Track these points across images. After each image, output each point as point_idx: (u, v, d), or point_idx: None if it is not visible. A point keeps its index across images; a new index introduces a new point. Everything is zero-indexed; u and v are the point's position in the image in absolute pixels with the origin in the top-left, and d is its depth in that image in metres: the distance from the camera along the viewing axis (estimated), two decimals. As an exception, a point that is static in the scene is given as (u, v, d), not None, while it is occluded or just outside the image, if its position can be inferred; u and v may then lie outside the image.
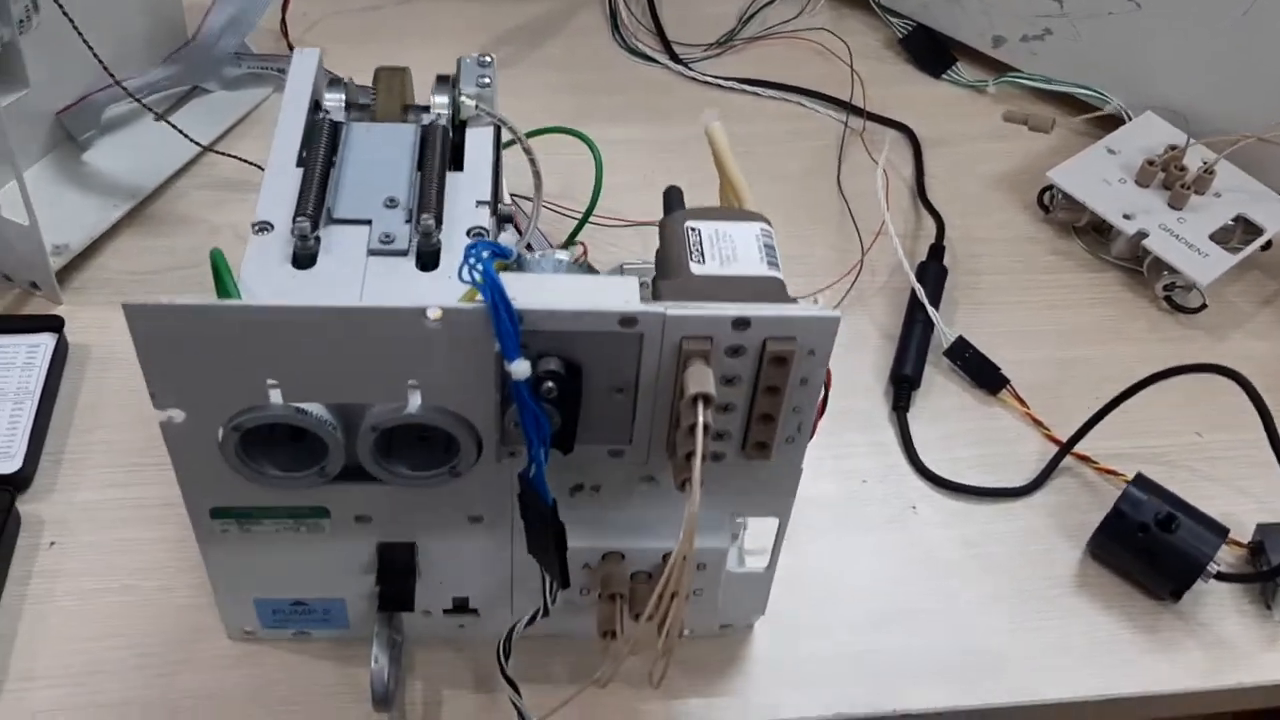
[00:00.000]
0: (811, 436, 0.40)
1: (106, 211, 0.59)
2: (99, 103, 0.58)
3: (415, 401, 0.36)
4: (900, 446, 0.54)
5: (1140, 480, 0.50)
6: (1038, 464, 0.54)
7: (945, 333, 0.57)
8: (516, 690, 0.43)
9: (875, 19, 0.73)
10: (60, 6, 0.52)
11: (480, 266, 0.34)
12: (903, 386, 0.56)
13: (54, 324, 0.54)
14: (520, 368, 0.34)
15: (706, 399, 0.35)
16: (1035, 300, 0.61)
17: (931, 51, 0.72)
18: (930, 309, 0.57)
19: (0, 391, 0.51)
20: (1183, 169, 0.61)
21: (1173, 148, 0.62)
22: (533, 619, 0.42)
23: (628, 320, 0.35)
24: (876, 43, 0.73)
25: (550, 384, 0.36)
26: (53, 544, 0.48)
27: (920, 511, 0.53)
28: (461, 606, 0.45)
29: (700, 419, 0.35)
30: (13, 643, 0.45)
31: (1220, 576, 0.49)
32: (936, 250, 0.61)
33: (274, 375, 0.36)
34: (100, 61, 0.53)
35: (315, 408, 0.37)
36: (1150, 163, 0.61)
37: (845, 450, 0.54)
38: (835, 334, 0.36)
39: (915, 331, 0.57)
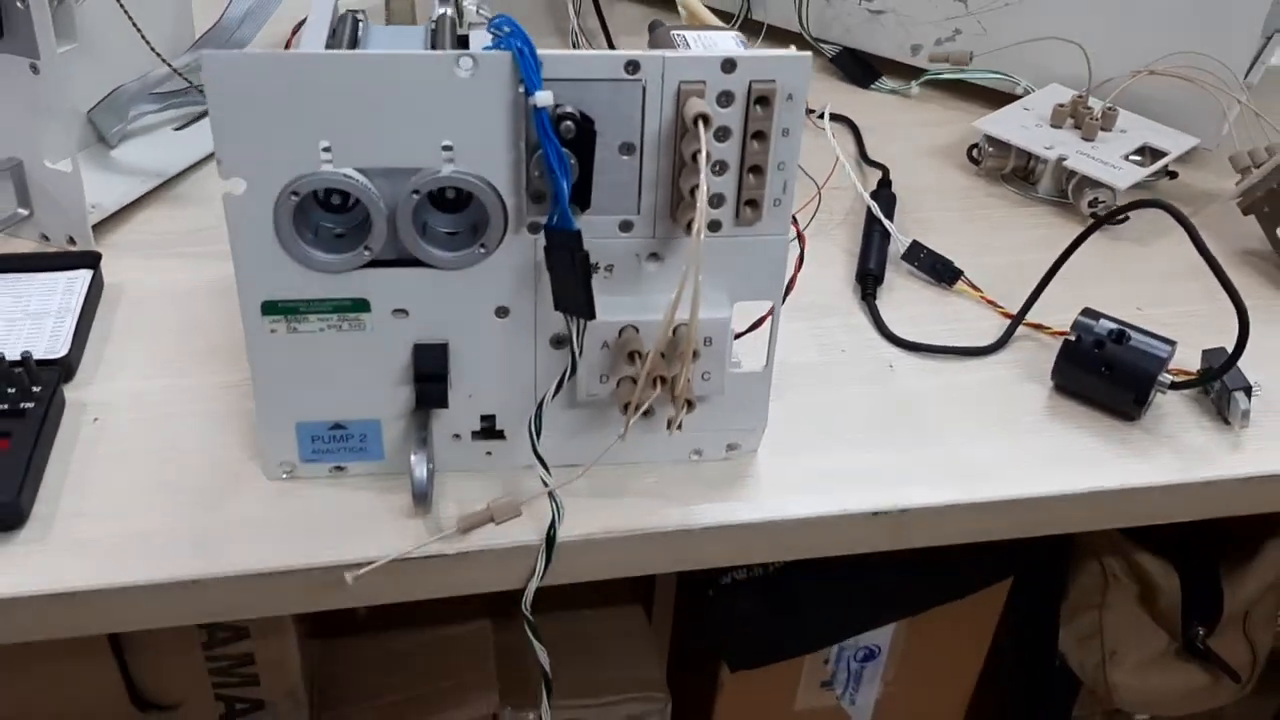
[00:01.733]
0: (787, 294, 0.45)
1: (135, 185, 0.65)
2: (127, 93, 0.65)
3: (450, 166, 0.42)
4: (872, 325, 0.60)
5: (1088, 311, 0.55)
6: (997, 333, 0.59)
7: (900, 239, 0.63)
8: (546, 467, 0.46)
9: (807, 46, 0.84)
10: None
11: (506, 24, 0.41)
12: (868, 281, 0.62)
13: (90, 260, 0.59)
14: (543, 96, 0.40)
15: (705, 119, 0.41)
16: (977, 230, 0.68)
17: (858, 67, 0.82)
18: (884, 220, 0.64)
19: (44, 311, 0.55)
20: (1089, 109, 0.70)
21: (1079, 98, 0.71)
22: (560, 385, 0.46)
23: (632, 65, 0.42)
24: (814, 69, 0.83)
25: (569, 123, 0.42)
26: (96, 420, 0.51)
27: (897, 369, 0.57)
28: (490, 429, 0.49)
29: (703, 143, 0.41)
30: (61, 487, 0.48)
31: (1174, 386, 0.54)
32: (884, 182, 0.68)
33: (327, 136, 0.41)
34: (146, 40, 0.61)
35: (360, 180, 0.42)
36: (1060, 106, 0.70)
37: (822, 331, 0.59)
38: (809, 74, 0.43)
39: (874, 240, 0.63)
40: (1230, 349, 0.52)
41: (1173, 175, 0.70)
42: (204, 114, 0.70)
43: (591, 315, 0.43)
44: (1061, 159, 0.67)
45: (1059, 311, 0.59)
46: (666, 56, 0.42)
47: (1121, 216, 0.68)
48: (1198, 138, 0.70)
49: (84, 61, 0.62)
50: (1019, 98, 0.75)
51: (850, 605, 0.79)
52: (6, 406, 0.49)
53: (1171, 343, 0.54)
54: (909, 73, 0.81)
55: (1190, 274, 0.65)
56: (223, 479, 0.49)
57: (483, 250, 0.44)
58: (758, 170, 0.44)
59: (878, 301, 0.61)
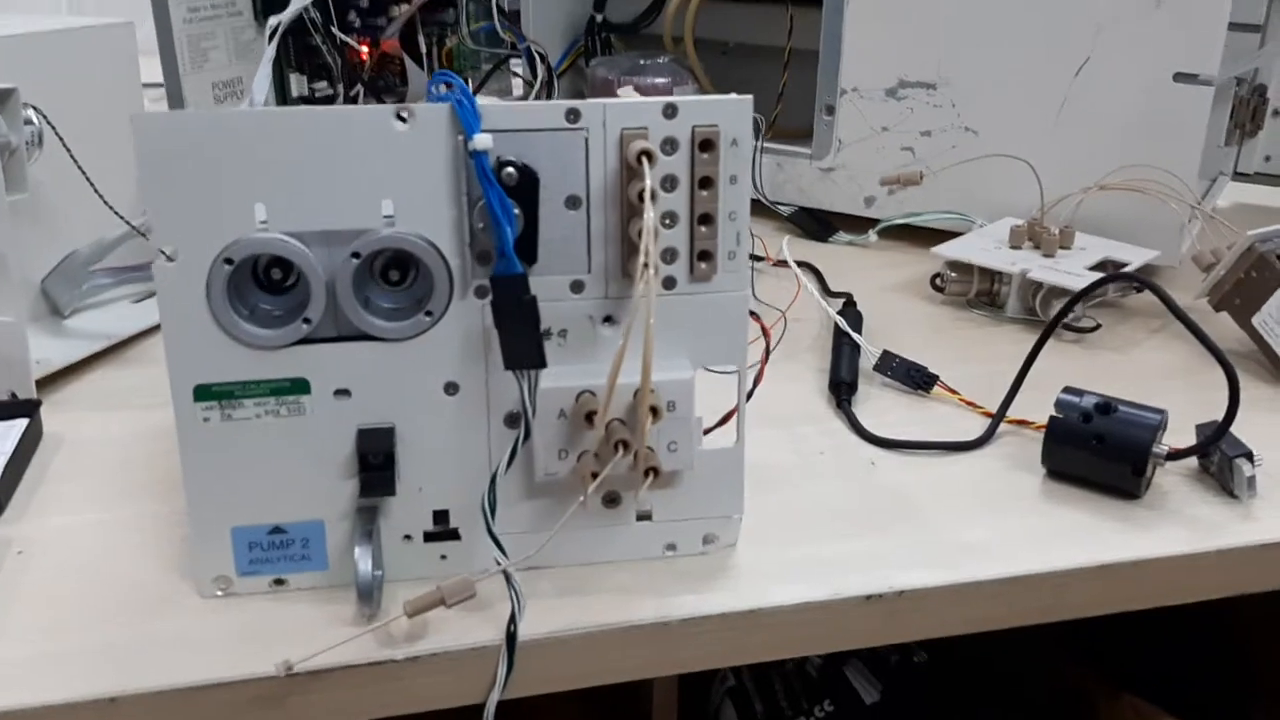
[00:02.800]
0: (761, 372, 0.44)
1: (86, 345, 0.63)
2: (81, 257, 0.64)
3: (392, 226, 0.41)
4: (850, 429, 0.57)
5: (1069, 389, 0.53)
6: (979, 432, 0.57)
7: (870, 351, 0.62)
8: (501, 548, 0.42)
9: (765, 210, 0.85)
10: (63, 143, 0.60)
11: (446, 79, 0.41)
12: (841, 389, 0.59)
13: (28, 409, 0.56)
14: (483, 139, 0.39)
15: (649, 154, 0.40)
16: (949, 348, 0.66)
17: (815, 224, 0.83)
18: (853, 333, 0.62)
19: (-27, 456, 0.53)
20: (1045, 228, 0.70)
21: (1035, 220, 0.71)
22: (513, 453, 0.42)
23: (573, 113, 0.41)
24: (769, 227, 0.84)
25: (511, 169, 0.41)
26: (20, 552, 0.47)
27: (879, 466, 0.54)
28: (443, 529, 0.45)
29: (648, 179, 0.40)
30: (-27, 616, 0.44)
31: (1172, 456, 0.51)
32: (850, 303, 0.67)
33: (262, 198, 0.40)
34: (99, 193, 0.61)
35: (296, 246, 0.41)
36: (1018, 228, 0.70)
37: (798, 438, 0.57)
38: (750, 118, 0.42)
39: (844, 352, 0.62)
40: (1231, 417, 0.50)
41: (1139, 289, 0.70)
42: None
43: (543, 364, 0.41)
44: (1025, 272, 0.67)
45: (1041, 411, 0.56)
46: (607, 104, 0.41)
47: (1094, 325, 0.66)
48: (1157, 250, 0.70)
49: (36, 220, 0.61)
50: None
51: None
52: (-80, 537, 0.46)
53: (1161, 411, 0.51)
54: (865, 224, 0.82)
55: (1168, 374, 0.63)
56: (152, 600, 0.45)
57: (429, 317, 0.42)
58: (708, 219, 0.43)
59: (857, 409, 0.59)
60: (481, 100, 0.41)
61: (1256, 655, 0.88)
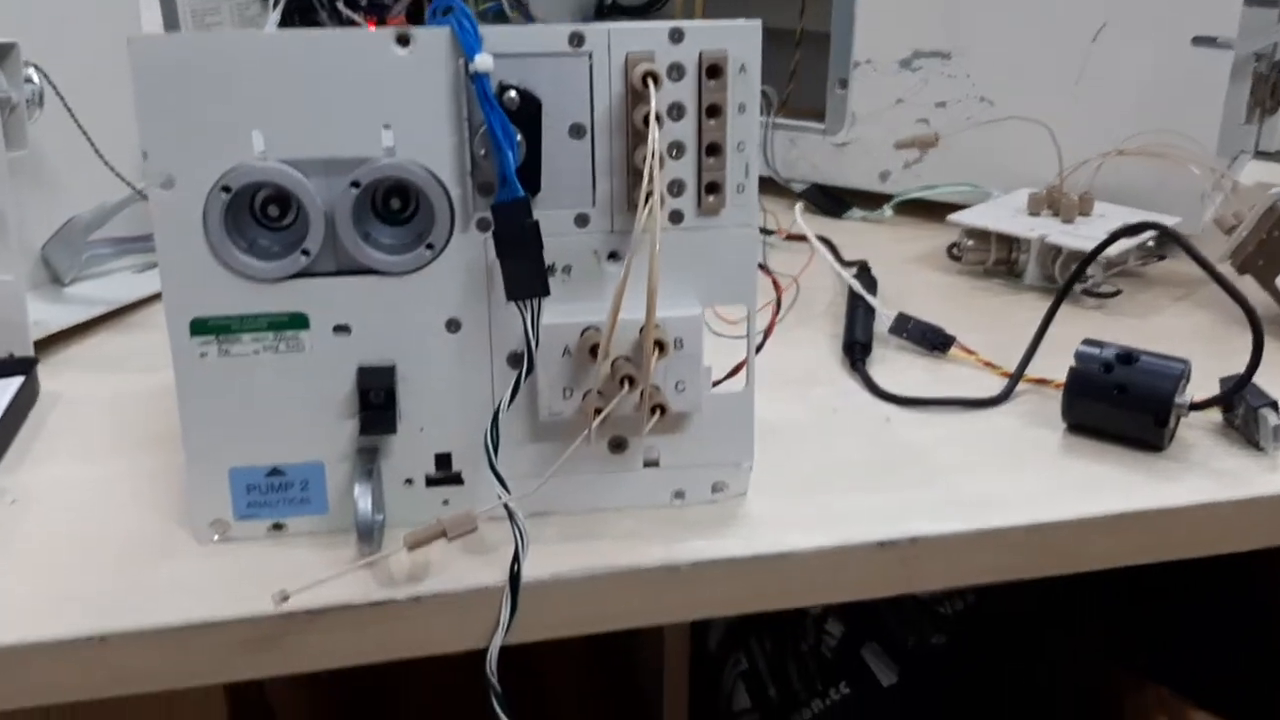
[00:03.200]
0: (772, 330, 0.43)
1: (85, 310, 0.62)
2: (81, 222, 0.63)
3: (391, 156, 0.40)
4: (865, 388, 0.56)
5: (1089, 340, 0.51)
6: (998, 390, 0.55)
7: (885, 314, 0.60)
8: (504, 485, 0.41)
9: (778, 188, 0.84)
10: (66, 106, 0.59)
11: (447, 3, 0.40)
12: (855, 349, 0.58)
13: (25, 367, 0.55)
14: (484, 59, 0.38)
15: (654, 76, 0.39)
16: (967, 316, 0.65)
17: (829, 200, 0.81)
18: (867, 295, 0.61)
19: (-30, 410, 0.52)
20: (1065, 194, 0.68)
21: (1054, 186, 0.70)
22: (516, 389, 0.41)
23: (576, 37, 0.40)
24: (782, 205, 0.83)
25: (513, 94, 0.40)
26: (14, 501, 0.46)
27: (894, 422, 0.53)
28: (445, 471, 0.44)
29: (653, 103, 0.39)
30: (-37, 559, 0.42)
31: (1195, 406, 0.50)
32: (865, 268, 0.66)
33: (260, 125, 0.39)
34: (99, 153, 0.60)
35: (296, 175, 0.40)
36: (1036, 195, 0.69)
37: (812, 398, 0.55)
38: (759, 43, 0.41)
39: (858, 315, 0.60)
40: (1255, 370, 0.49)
41: (1161, 257, 0.68)
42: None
43: (546, 291, 0.40)
44: (1044, 237, 0.65)
45: (1061, 371, 0.54)
46: (612, 28, 0.40)
47: (1114, 290, 0.65)
48: (1179, 217, 0.69)
49: (35, 181, 0.61)
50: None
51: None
52: (-88, 482, 0.45)
53: (1184, 361, 0.50)
54: (880, 200, 0.80)
55: (1191, 338, 0.62)
56: (147, 547, 0.44)
57: (429, 250, 0.41)
58: (716, 150, 0.41)
59: (872, 369, 0.57)
60: (489, 27, 0.40)
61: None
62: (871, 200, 0.81)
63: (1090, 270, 0.64)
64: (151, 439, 0.51)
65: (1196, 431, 0.51)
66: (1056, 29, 0.72)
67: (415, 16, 0.89)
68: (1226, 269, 0.64)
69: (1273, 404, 0.49)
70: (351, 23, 0.83)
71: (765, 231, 0.76)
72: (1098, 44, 0.71)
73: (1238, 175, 0.86)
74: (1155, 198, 0.70)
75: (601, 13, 0.97)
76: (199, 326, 0.41)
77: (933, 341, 0.59)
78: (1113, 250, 0.63)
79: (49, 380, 0.56)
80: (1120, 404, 0.49)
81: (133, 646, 0.39)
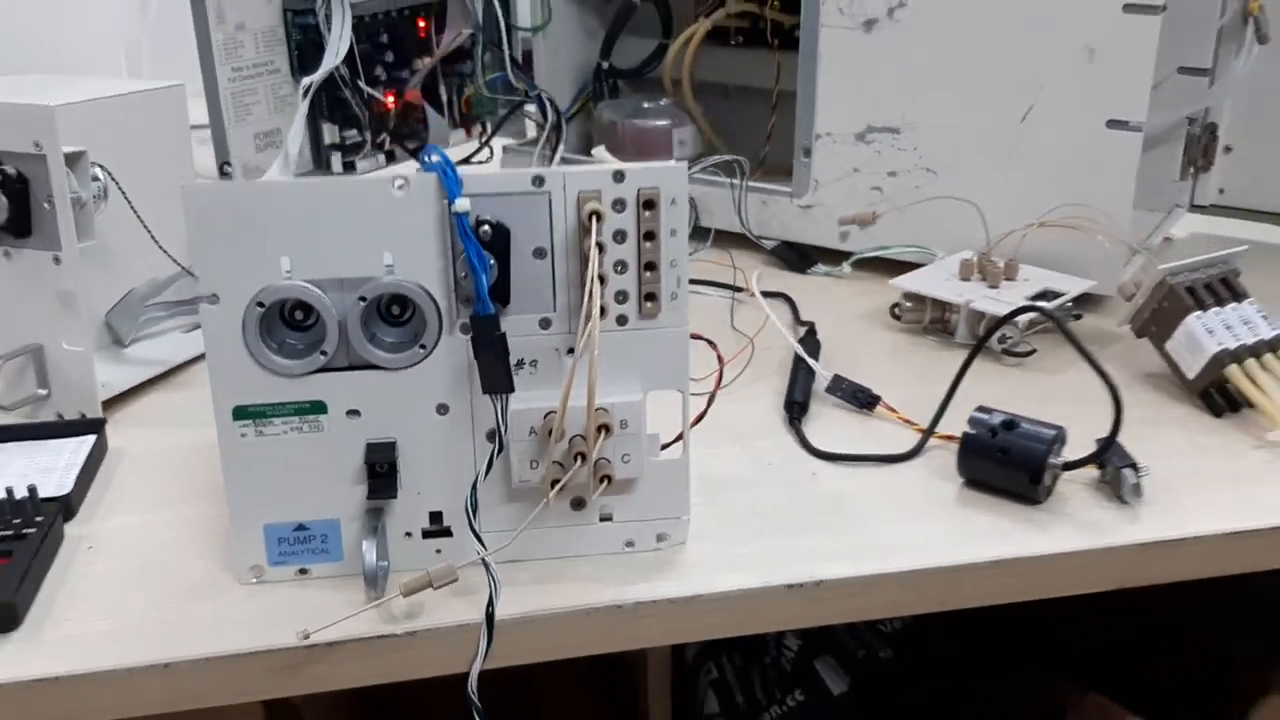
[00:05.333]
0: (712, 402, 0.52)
1: (144, 370, 0.73)
2: (139, 294, 0.74)
3: (393, 274, 0.50)
4: (798, 444, 0.65)
5: (981, 407, 0.61)
6: (912, 445, 0.65)
7: (823, 375, 0.70)
8: (481, 541, 0.51)
9: (751, 244, 0.93)
10: (126, 199, 0.70)
11: (434, 152, 0.50)
12: (793, 409, 0.68)
13: (96, 426, 0.66)
14: (462, 202, 0.48)
15: (598, 214, 0.49)
16: (899, 372, 0.74)
17: (795, 256, 0.91)
18: (808, 358, 0.70)
19: (53, 466, 0.62)
20: (992, 262, 0.78)
21: (984, 254, 0.79)
22: (490, 463, 0.51)
23: (538, 179, 0.50)
24: (754, 259, 0.92)
25: (486, 227, 0.49)
26: (90, 548, 0.57)
27: (820, 476, 0.63)
28: (437, 525, 0.54)
29: (594, 234, 0.49)
30: (54, 598, 0.53)
31: (1068, 466, 0.59)
32: (811, 331, 0.76)
33: (287, 253, 0.49)
34: (155, 240, 0.71)
35: (316, 292, 0.50)
36: (967, 261, 0.78)
37: (752, 450, 0.65)
38: (686, 181, 0.51)
39: (799, 376, 0.70)
40: (1119, 429, 0.58)
41: (1078, 316, 0.77)
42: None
43: (511, 389, 0.50)
44: (970, 303, 0.75)
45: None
46: (566, 172, 0.50)
47: (1030, 350, 0.74)
48: (1094, 280, 0.78)
49: (101, 263, 0.71)
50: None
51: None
52: (10, 531, 0.55)
53: (1058, 427, 0.59)
54: (840, 256, 0.90)
55: (1094, 395, 0.70)
56: (198, 587, 0.54)
57: (423, 350, 0.51)
58: (653, 267, 0.51)
59: (804, 428, 0.67)
60: (462, 170, 0.50)
61: (1226, 658, 0.94)
62: (834, 256, 0.91)
63: (1009, 331, 0.73)
64: (201, 491, 0.61)
65: (1075, 486, 0.61)
66: (991, 109, 0.81)
67: (429, 89, 0.99)
68: (1127, 331, 0.73)
69: (1132, 465, 0.58)
70: (374, 98, 0.93)
71: (735, 289, 0.86)
72: (1026, 124, 0.80)
73: (1171, 227, 0.95)
74: (1076, 262, 0.79)
75: (599, 77, 1.07)
76: (239, 412, 0.51)
77: (861, 400, 0.68)
78: (1022, 316, 0.72)
79: (113, 437, 0.67)
80: (1004, 464, 0.59)
81: (190, 672, 0.49)
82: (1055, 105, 0.79)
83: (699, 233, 0.96)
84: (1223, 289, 0.69)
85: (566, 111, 1.05)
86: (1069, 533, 0.57)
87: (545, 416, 0.52)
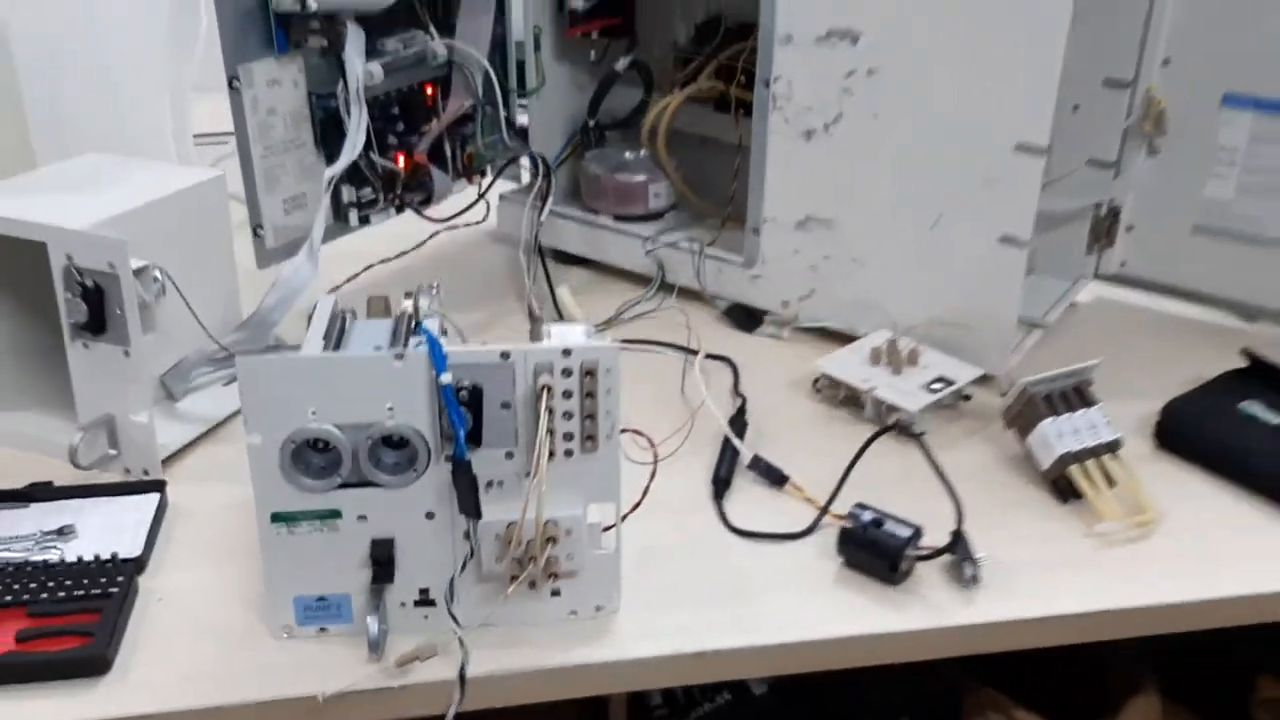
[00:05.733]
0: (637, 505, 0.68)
1: (193, 429, 0.89)
2: (189, 362, 0.89)
3: (393, 420, 0.65)
4: (719, 519, 0.81)
5: (858, 504, 0.77)
6: (810, 523, 0.81)
7: (745, 455, 0.86)
8: (456, 621, 0.67)
9: (706, 303, 1.08)
10: (179, 293, 0.85)
11: (424, 334, 0.65)
12: (718, 485, 0.83)
13: (159, 486, 0.82)
14: (445, 377, 0.64)
15: (549, 389, 0.64)
16: (814, 445, 0.90)
17: (746, 317, 1.06)
18: (734, 439, 0.86)
19: (124, 525, 0.79)
20: (898, 350, 0.92)
21: (892, 341, 0.94)
22: (464, 564, 0.67)
23: (505, 354, 0.65)
24: (708, 317, 1.07)
25: (464, 391, 0.65)
26: (160, 600, 0.74)
27: (733, 549, 0.79)
28: (425, 597, 0.70)
29: (543, 402, 0.64)
30: (135, 645, 0.70)
31: (921, 558, 0.75)
32: (741, 410, 0.91)
33: (313, 405, 0.65)
34: (203, 326, 0.86)
35: (337, 433, 0.66)
36: (876, 349, 0.93)
37: (682, 524, 0.81)
38: (618, 356, 0.66)
39: (726, 455, 0.86)
40: (962, 530, 0.74)
41: (967, 398, 0.93)
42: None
43: (479, 516, 0.66)
44: (873, 390, 0.90)
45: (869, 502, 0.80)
46: (527, 349, 0.65)
47: (922, 431, 0.89)
48: (984, 368, 0.93)
49: (158, 340, 0.86)
50: (861, 337, 0.98)
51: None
52: (99, 591, 0.72)
53: (915, 526, 0.75)
54: (784, 320, 1.05)
55: (971, 472, 0.86)
56: (243, 637, 0.71)
57: (415, 473, 0.67)
58: (592, 417, 0.67)
59: (727, 501, 0.83)
60: (447, 346, 0.65)
61: (1101, 660, 1.11)
62: (777, 319, 1.06)
63: (904, 416, 0.88)
64: (244, 549, 0.77)
65: (933, 569, 0.76)
66: (907, 216, 0.95)
67: (435, 149, 1.12)
68: (1000, 423, 0.88)
69: (969, 558, 0.74)
70: (390, 170, 1.07)
71: (688, 351, 1.01)
72: (935, 231, 0.94)
73: (1076, 295, 1.10)
74: (971, 349, 0.94)
75: (587, 130, 1.20)
76: (276, 517, 0.68)
77: (773, 478, 0.84)
78: (914, 405, 0.87)
79: (172, 491, 0.83)
80: (871, 553, 0.75)
81: (236, 713, 0.66)
82: (959, 219, 0.93)
83: (665, 288, 1.11)
84: (1075, 397, 0.84)
85: (556, 159, 1.19)
86: (917, 612, 0.73)
87: (508, 526, 0.68)
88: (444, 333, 0.72)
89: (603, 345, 0.66)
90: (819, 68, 0.94)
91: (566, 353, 0.66)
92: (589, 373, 0.66)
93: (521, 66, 1.17)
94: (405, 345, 0.70)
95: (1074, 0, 0.82)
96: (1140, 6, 0.98)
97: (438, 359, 0.64)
